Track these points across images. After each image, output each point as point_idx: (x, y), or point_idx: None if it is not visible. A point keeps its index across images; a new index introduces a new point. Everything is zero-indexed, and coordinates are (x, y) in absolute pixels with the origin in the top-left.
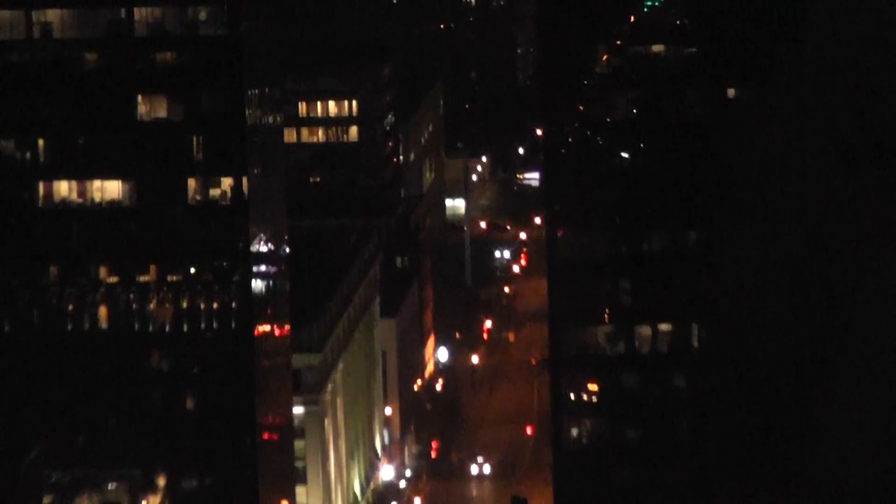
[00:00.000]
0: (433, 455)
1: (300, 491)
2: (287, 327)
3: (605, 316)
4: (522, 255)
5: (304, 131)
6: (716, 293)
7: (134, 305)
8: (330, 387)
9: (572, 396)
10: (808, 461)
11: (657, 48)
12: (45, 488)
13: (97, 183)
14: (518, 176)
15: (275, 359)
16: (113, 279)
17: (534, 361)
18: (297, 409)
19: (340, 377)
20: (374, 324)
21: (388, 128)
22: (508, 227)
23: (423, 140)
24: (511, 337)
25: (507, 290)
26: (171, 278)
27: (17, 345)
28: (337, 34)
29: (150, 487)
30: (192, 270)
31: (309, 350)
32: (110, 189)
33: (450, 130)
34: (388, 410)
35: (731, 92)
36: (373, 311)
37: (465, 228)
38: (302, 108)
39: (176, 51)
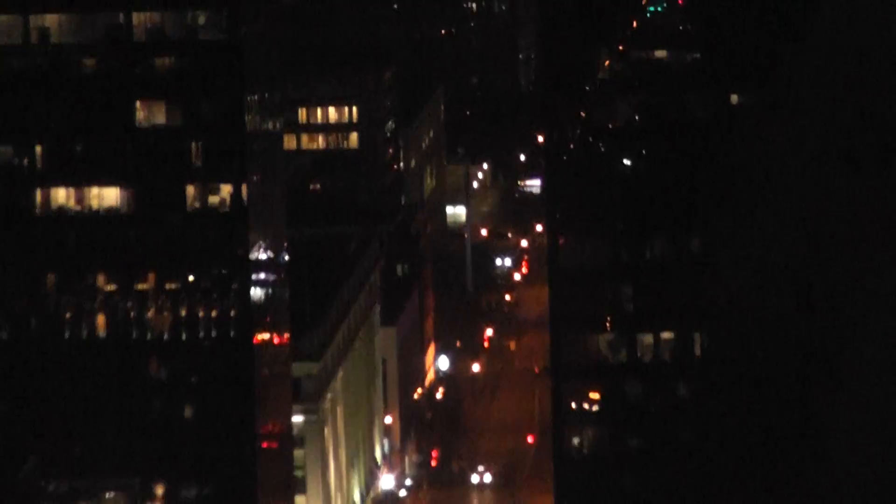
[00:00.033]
0: (434, 464)
1: (300, 500)
2: (286, 335)
3: (607, 323)
4: (524, 263)
5: (304, 137)
6: (718, 300)
7: (132, 313)
8: (330, 395)
9: (574, 405)
10: (811, 468)
11: (659, 53)
12: (42, 498)
13: (95, 189)
14: (519, 182)
15: (274, 367)
16: (111, 287)
17: (537, 370)
18: (297, 418)
19: (340, 385)
20: (374, 332)
21: (388, 134)
22: (510, 235)
23: (423, 146)
24: (512, 345)
25: (508, 297)
26: (170, 286)
27: (15, 353)
28: (337, 39)
29: (149, 497)
30: (191, 278)
31: (308, 358)
32: (108, 196)
33: (451, 136)
34: (389, 419)
35: (733, 97)
36: (373, 319)
37: (466, 235)
38: (302, 113)
39: (175, 56)
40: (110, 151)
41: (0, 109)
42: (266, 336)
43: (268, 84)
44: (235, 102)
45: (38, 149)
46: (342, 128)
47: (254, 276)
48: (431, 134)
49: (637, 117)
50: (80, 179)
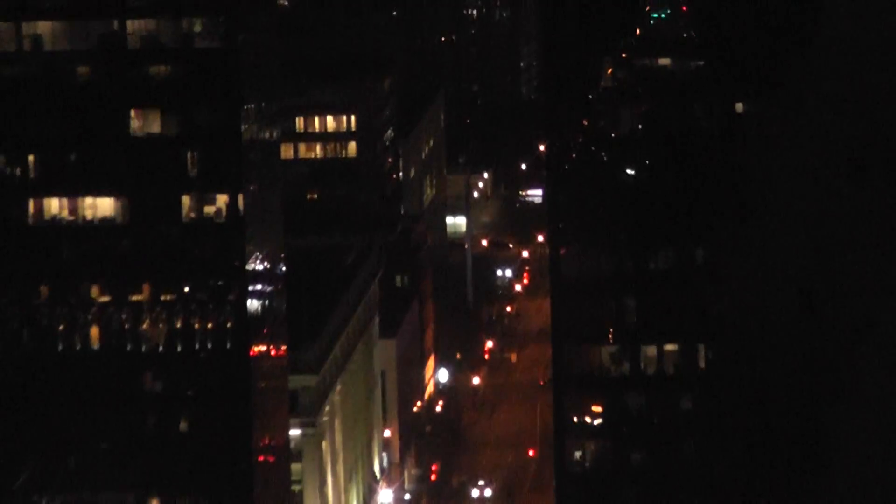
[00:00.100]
0: (433, 478)
1: None
2: (284, 347)
3: (610, 336)
4: (525, 274)
5: (302, 146)
6: (723, 311)
7: (127, 325)
8: (328, 408)
9: (576, 418)
10: (817, 483)
11: (663, 61)
12: None
13: (89, 200)
14: (521, 192)
15: (271, 380)
16: (105, 298)
17: (542, 382)
18: (294, 432)
19: (339, 398)
20: (373, 344)
21: (387, 143)
22: (511, 245)
23: (423, 155)
24: (513, 357)
25: (509, 309)
26: (165, 297)
27: (7, 365)
28: (335, 47)
29: None
30: (187, 289)
31: (306, 371)
32: (103, 206)
33: (451, 146)
34: (388, 432)
35: (738, 105)
36: (372, 331)
37: (467, 246)
38: (299, 122)
39: (170, 64)
40: (104, 161)
41: None
42: (263, 348)
43: (265, 92)
44: (232, 111)
45: (31, 158)
46: (340, 136)
47: (250, 288)
48: (431, 143)
49: (640, 126)
50: (74, 189)
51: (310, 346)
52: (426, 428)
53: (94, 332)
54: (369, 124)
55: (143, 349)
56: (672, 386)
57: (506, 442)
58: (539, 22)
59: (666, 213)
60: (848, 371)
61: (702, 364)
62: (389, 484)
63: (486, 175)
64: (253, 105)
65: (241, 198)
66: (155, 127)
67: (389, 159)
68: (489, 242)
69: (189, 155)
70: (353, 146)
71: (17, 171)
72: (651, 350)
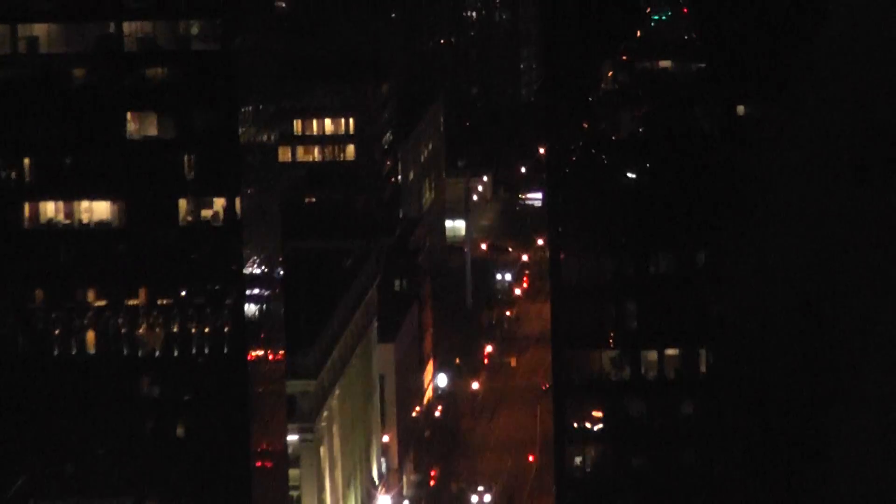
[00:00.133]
0: (432, 484)
1: None
2: (281, 352)
3: (610, 340)
4: (524, 278)
5: (300, 149)
6: (724, 315)
7: (123, 330)
8: (326, 414)
9: (576, 423)
10: (818, 488)
11: (664, 64)
12: None
13: (85, 203)
14: (520, 196)
15: (269, 385)
16: (101, 302)
17: (545, 387)
18: (292, 437)
19: (337, 404)
20: (371, 348)
21: (386, 146)
22: (510, 249)
23: (422, 158)
24: (513, 362)
25: (508, 313)
26: (162, 302)
27: (2, 370)
28: (334, 48)
29: None
30: (184, 293)
31: (304, 376)
32: (99, 210)
33: (450, 149)
34: (386, 438)
35: (739, 108)
36: (370, 336)
37: (466, 250)
38: (297, 125)
39: (167, 66)
40: (101, 164)
41: None
42: (260, 353)
43: (262, 95)
44: (229, 114)
45: (27, 161)
46: (339, 139)
47: (248, 292)
48: (430, 146)
49: (641, 128)
50: (70, 193)
51: (308, 351)
52: (425, 433)
53: (91, 336)
54: (368, 127)
55: (140, 354)
56: (673, 391)
57: (505, 447)
58: (539, 24)
59: (667, 217)
60: (849, 375)
61: (703, 369)
62: (388, 490)
63: (485, 178)
64: (250, 108)
65: (238, 201)
66: (152, 130)
67: (388, 162)
68: (489, 246)
69: (186, 158)
70: (351, 149)
71: (13, 174)
72: (652, 355)
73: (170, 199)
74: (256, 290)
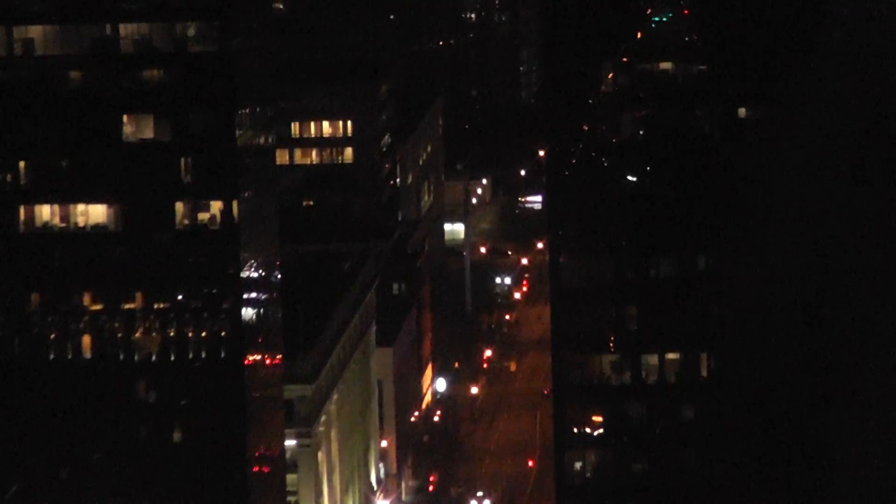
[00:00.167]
0: (431, 489)
1: None
2: (279, 356)
3: (611, 344)
4: (524, 281)
5: (298, 152)
6: (725, 318)
7: (119, 334)
8: (324, 418)
9: (576, 428)
10: (819, 491)
11: (665, 66)
12: None
13: (81, 206)
14: (520, 199)
15: (266, 389)
16: (97, 306)
17: (546, 391)
18: (290, 442)
19: (335, 408)
20: (370, 353)
21: (384, 148)
22: (510, 253)
23: (421, 161)
24: (512, 366)
25: (508, 317)
26: (159, 306)
27: None
28: (332, 51)
29: None
30: (180, 297)
31: (302, 380)
32: (95, 213)
33: (449, 151)
34: (385, 443)
35: (740, 111)
36: (369, 340)
37: (465, 253)
38: (295, 128)
39: (164, 68)
40: (97, 167)
41: None
42: (258, 357)
43: (260, 97)
44: (226, 116)
45: (22, 164)
46: (336, 142)
47: (245, 296)
48: (429, 148)
49: (641, 131)
50: (66, 196)
51: (305, 355)
52: (424, 438)
53: (87, 340)
54: (366, 129)
55: (136, 358)
56: (673, 395)
57: (505, 452)
58: (539, 25)
59: (667, 219)
60: (849, 376)
61: (703, 372)
62: (386, 495)
63: (484, 181)
64: (248, 110)
65: (235, 204)
66: (148, 132)
67: (387, 165)
68: (488, 249)
69: (183, 161)
70: (349, 152)
71: (8, 178)
72: (652, 358)
73: (166, 202)
74: (254, 294)
